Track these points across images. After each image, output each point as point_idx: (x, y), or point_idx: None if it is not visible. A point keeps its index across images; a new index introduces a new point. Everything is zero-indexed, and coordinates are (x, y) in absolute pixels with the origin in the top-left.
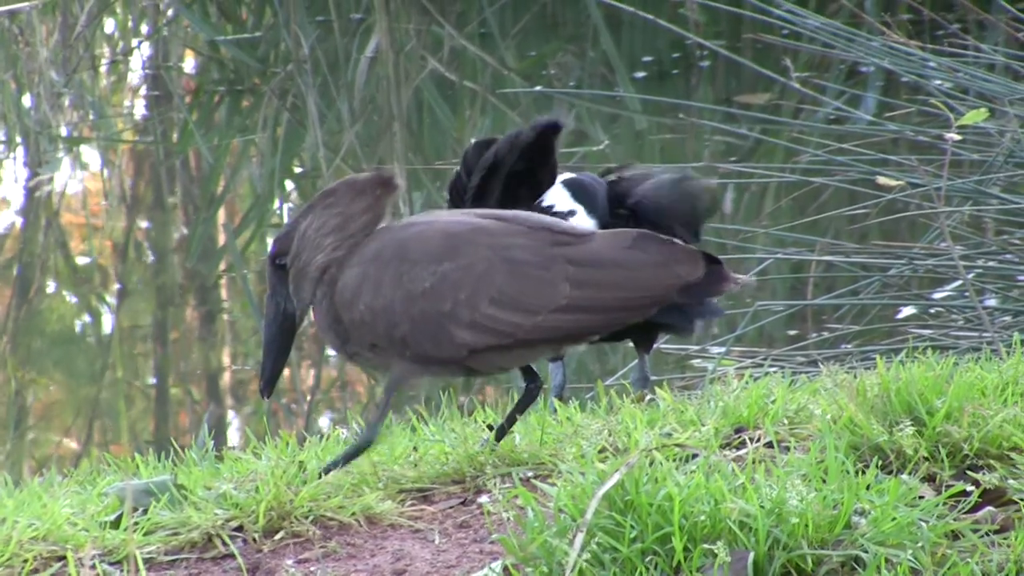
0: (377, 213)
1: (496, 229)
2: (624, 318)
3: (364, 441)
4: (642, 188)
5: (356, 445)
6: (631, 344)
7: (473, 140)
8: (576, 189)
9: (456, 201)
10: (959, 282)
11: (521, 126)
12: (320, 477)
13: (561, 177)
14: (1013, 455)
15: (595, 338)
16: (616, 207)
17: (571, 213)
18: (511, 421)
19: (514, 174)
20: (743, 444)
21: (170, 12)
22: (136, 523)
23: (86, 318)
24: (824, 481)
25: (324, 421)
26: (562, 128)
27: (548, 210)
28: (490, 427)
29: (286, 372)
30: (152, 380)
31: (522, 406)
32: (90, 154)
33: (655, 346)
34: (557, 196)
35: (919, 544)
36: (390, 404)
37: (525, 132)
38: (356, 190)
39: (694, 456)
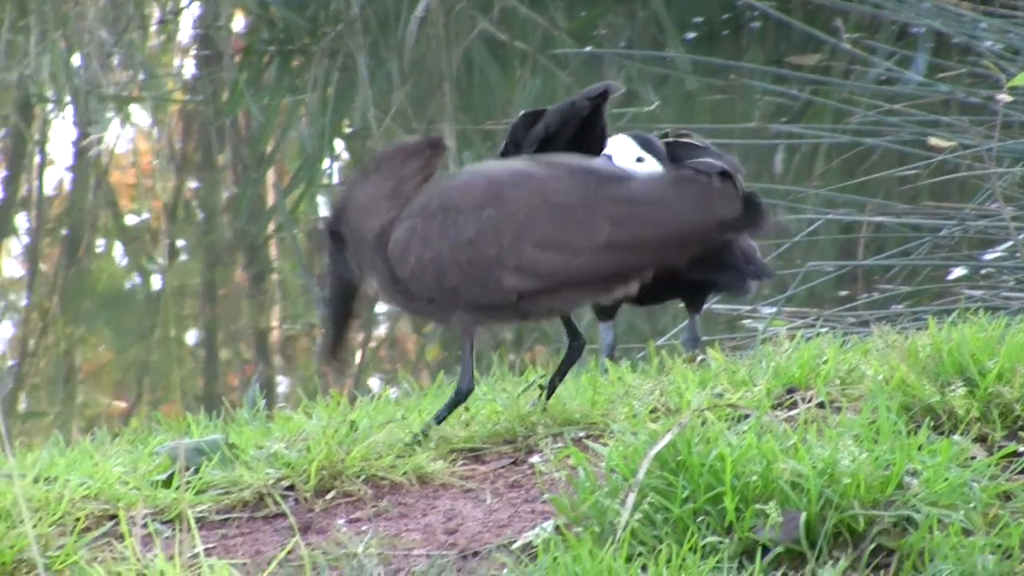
0: (428, 175)
1: (538, 173)
2: (665, 256)
3: (462, 393)
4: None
5: (454, 399)
6: (681, 305)
7: (521, 112)
8: (643, 142)
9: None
10: (1010, 243)
11: (571, 96)
12: (422, 433)
13: (621, 134)
14: None
15: (642, 279)
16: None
17: (640, 160)
18: (559, 378)
19: (564, 142)
20: (795, 404)
21: None
22: (188, 482)
23: (135, 278)
24: (876, 442)
25: (373, 381)
26: (611, 94)
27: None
28: (541, 386)
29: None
30: (201, 340)
31: (567, 364)
32: (139, 114)
33: (705, 307)
34: (624, 146)
35: (971, 505)
36: (472, 353)
37: (579, 102)
38: (407, 154)
39: (746, 416)
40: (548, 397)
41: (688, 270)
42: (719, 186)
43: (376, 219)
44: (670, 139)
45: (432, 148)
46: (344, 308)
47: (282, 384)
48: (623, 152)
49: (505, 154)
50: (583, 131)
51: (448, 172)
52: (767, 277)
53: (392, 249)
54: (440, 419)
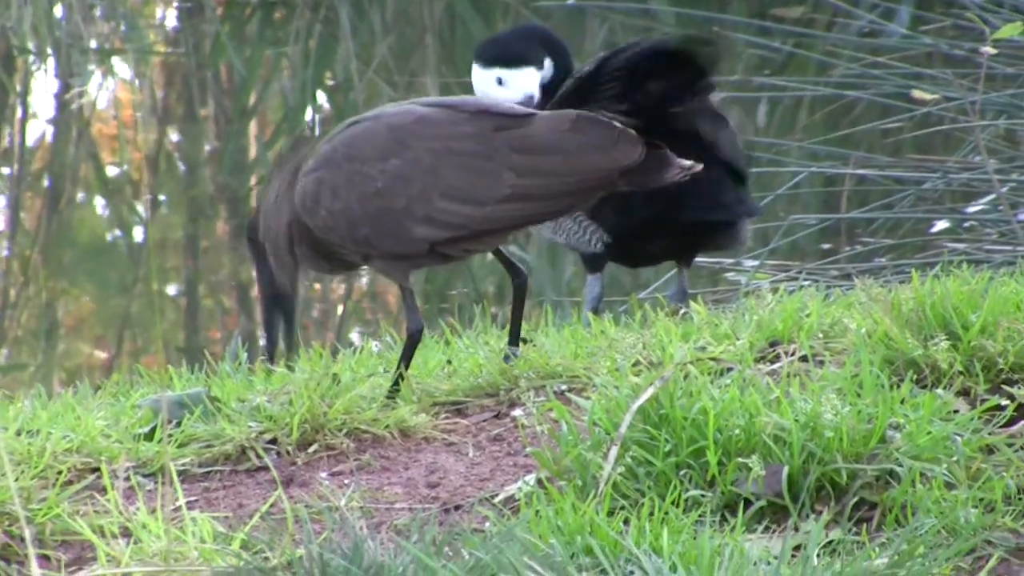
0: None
1: (439, 118)
2: (568, 204)
3: (413, 334)
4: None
5: (408, 342)
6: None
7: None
8: (488, 56)
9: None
10: (993, 196)
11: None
12: (395, 384)
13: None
14: None
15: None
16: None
17: (499, 82)
18: (517, 324)
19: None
20: (777, 358)
21: None
22: (170, 435)
23: (117, 230)
24: (859, 395)
25: (354, 334)
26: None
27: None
28: (523, 340)
29: (316, 286)
30: (183, 292)
31: (517, 306)
32: (121, 66)
33: (694, 261)
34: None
35: (953, 458)
36: (411, 295)
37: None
38: (293, 148)
39: (728, 370)
40: (514, 343)
41: (681, 211)
42: (620, 131)
43: (284, 216)
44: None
45: (311, 140)
46: (277, 313)
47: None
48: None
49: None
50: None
51: (348, 119)
52: (759, 214)
53: (301, 200)
54: (404, 365)
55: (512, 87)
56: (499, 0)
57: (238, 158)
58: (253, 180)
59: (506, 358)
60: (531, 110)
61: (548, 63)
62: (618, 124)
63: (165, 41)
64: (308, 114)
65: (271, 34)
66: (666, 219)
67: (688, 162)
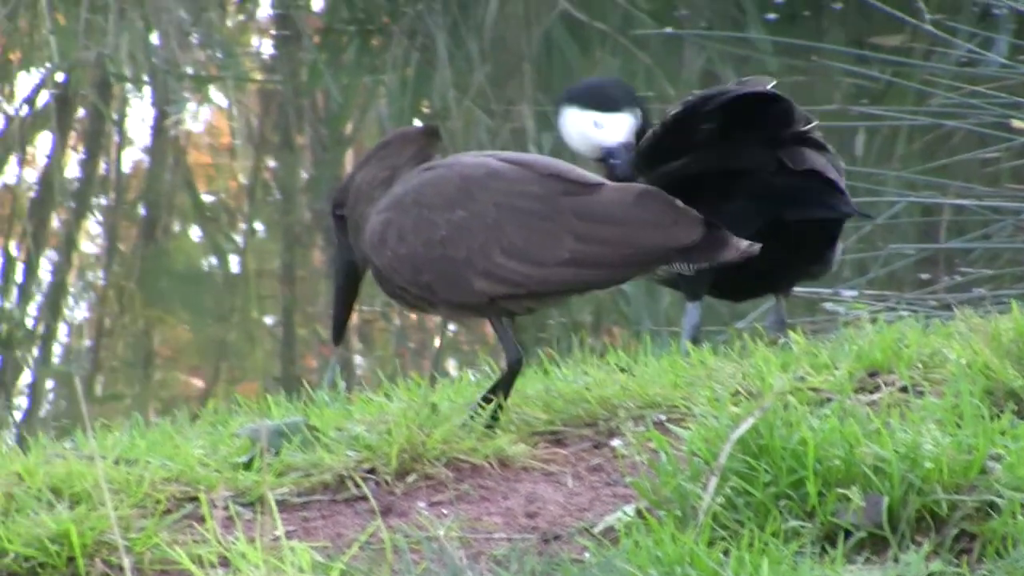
0: (421, 163)
1: (510, 174)
2: (625, 274)
3: (513, 364)
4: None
5: (508, 372)
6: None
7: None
8: (581, 99)
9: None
10: None
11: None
12: (491, 413)
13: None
14: None
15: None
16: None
17: (596, 125)
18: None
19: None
20: (877, 388)
21: None
22: (268, 464)
23: (213, 258)
24: (958, 426)
25: (450, 363)
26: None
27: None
28: (622, 369)
29: (412, 314)
30: (279, 320)
31: (506, 379)
32: (217, 94)
33: (792, 290)
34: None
35: None
36: (504, 327)
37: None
38: (404, 141)
39: (828, 400)
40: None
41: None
42: (682, 211)
43: (371, 206)
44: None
45: (428, 136)
46: (346, 289)
47: (360, 365)
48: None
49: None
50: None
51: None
52: (859, 214)
53: (369, 237)
54: (504, 395)
55: (608, 131)
56: (596, 28)
57: (334, 186)
58: None
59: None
60: (600, 179)
61: (638, 113)
62: (680, 204)
63: (261, 68)
64: None
65: (368, 62)
66: (776, 226)
67: (746, 243)
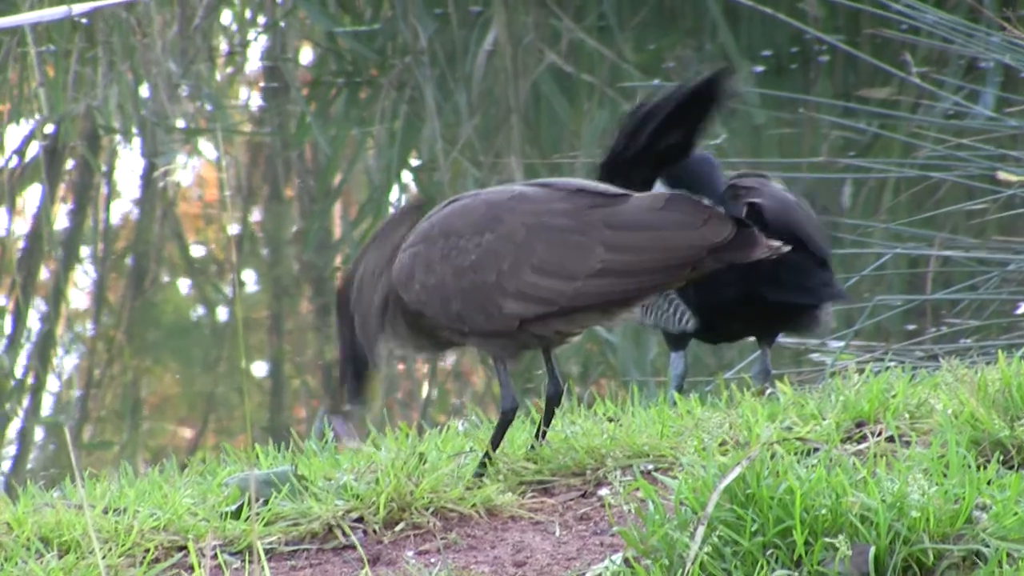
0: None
1: (535, 196)
2: (658, 280)
3: (507, 412)
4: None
5: (501, 420)
6: (752, 338)
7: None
8: (680, 179)
9: (607, 168)
10: None
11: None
12: (483, 462)
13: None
14: None
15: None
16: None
17: None
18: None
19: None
20: (864, 438)
21: (288, 3)
22: (257, 513)
23: (201, 309)
24: (945, 476)
25: (439, 413)
26: (722, 87)
27: None
28: (610, 419)
29: (400, 364)
30: (268, 371)
31: (548, 411)
32: (206, 145)
33: (777, 340)
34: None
35: None
36: (506, 373)
37: (688, 84)
38: (396, 223)
39: (815, 450)
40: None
41: (767, 292)
42: (711, 211)
43: (377, 294)
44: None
45: (416, 210)
46: (354, 368)
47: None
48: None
49: (614, 148)
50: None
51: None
52: (844, 298)
53: (397, 274)
54: (495, 444)
55: None
56: (584, 81)
57: (323, 238)
58: (338, 260)
59: (531, 447)
60: (627, 192)
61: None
62: (708, 203)
63: (250, 120)
64: (393, 194)
65: (356, 114)
66: (754, 298)
67: (776, 242)
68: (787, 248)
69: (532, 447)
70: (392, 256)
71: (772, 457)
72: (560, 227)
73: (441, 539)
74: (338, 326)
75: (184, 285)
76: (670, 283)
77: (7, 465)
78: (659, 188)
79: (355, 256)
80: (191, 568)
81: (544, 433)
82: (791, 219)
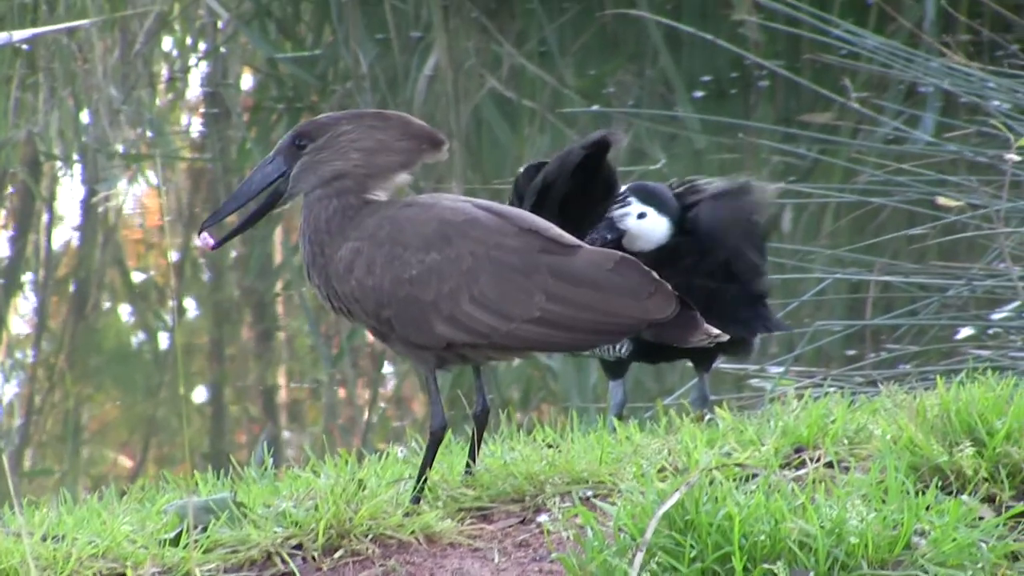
0: (408, 163)
1: (488, 224)
2: (592, 340)
3: (435, 433)
4: (700, 207)
5: (431, 441)
6: (690, 364)
7: (524, 166)
8: (643, 193)
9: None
10: (1018, 303)
11: (572, 143)
12: (418, 485)
13: (624, 186)
14: None
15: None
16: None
17: (642, 216)
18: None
19: (568, 193)
20: (803, 464)
21: (229, 29)
22: (196, 540)
23: (142, 335)
24: (884, 501)
25: (379, 440)
26: (611, 144)
27: (619, 219)
28: (549, 446)
29: (341, 391)
30: (208, 397)
31: (478, 434)
32: (147, 171)
33: (715, 366)
34: (625, 202)
35: (979, 565)
36: (436, 391)
37: (574, 151)
38: (406, 132)
39: (754, 476)
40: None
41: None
42: (658, 284)
43: (340, 162)
44: (677, 188)
45: (430, 143)
46: (256, 211)
47: (289, 442)
48: (628, 208)
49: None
50: (585, 180)
51: (404, 198)
52: (779, 330)
53: (336, 263)
54: (427, 465)
55: (648, 227)
56: (525, 106)
57: (263, 263)
58: (279, 285)
59: (466, 470)
60: (580, 242)
61: (671, 229)
62: (656, 276)
63: (191, 146)
64: None
65: None
66: None
67: (716, 331)
68: (724, 337)
69: (467, 470)
70: (376, 151)
71: (711, 483)
72: (507, 264)
73: (380, 566)
74: (277, 154)
75: (125, 311)
76: (601, 345)
77: None
78: (630, 199)
79: (343, 113)
80: None
81: (475, 455)
82: (727, 236)
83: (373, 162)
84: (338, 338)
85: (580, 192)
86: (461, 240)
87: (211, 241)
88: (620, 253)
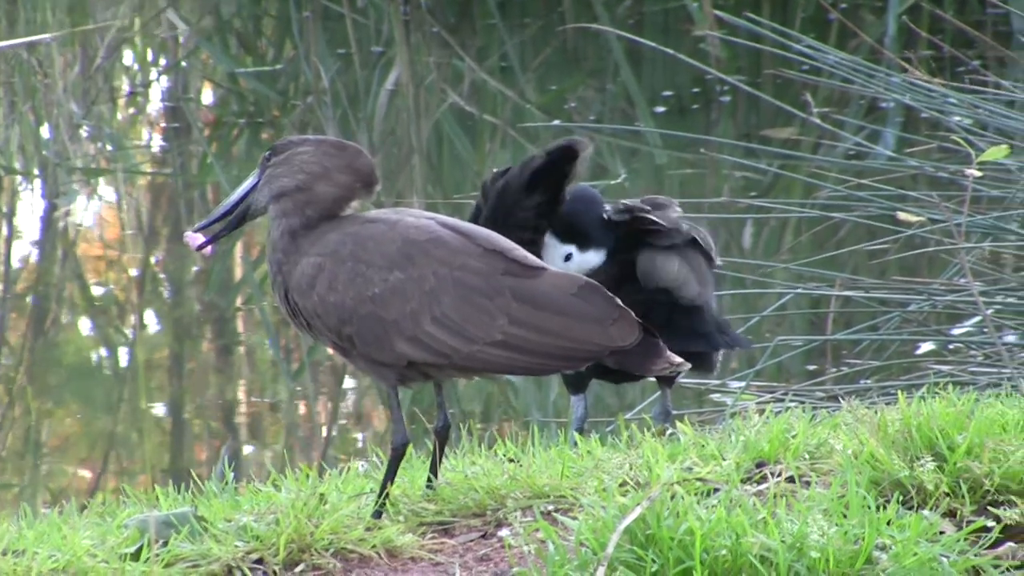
0: (345, 196)
1: (451, 243)
2: (554, 365)
3: (397, 448)
4: (643, 258)
5: (392, 456)
6: (652, 378)
7: (493, 171)
8: (564, 231)
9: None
10: (978, 318)
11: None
12: (380, 500)
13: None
14: None
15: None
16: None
17: (568, 257)
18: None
19: (531, 200)
20: (764, 479)
21: (190, 44)
22: (157, 555)
23: (102, 350)
24: (845, 516)
25: (340, 454)
26: (578, 153)
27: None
28: (510, 460)
29: (302, 406)
30: (169, 412)
31: (439, 448)
32: (108, 186)
33: (677, 380)
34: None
35: None
36: (398, 406)
37: (538, 157)
38: (350, 165)
39: (715, 490)
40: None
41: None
42: (621, 311)
43: (287, 179)
44: (633, 213)
45: (367, 182)
46: (236, 216)
47: (250, 457)
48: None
49: (476, 213)
50: (551, 192)
51: (366, 212)
52: (741, 347)
53: (297, 279)
54: (389, 479)
55: (577, 263)
56: (487, 121)
57: (224, 278)
58: (239, 300)
59: (428, 484)
60: (543, 264)
61: (606, 252)
62: (620, 303)
63: (152, 161)
64: None
65: (258, 154)
66: None
67: (678, 359)
68: (687, 367)
69: (429, 484)
70: (318, 176)
71: (672, 498)
72: (469, 285)
73: None
74: (256, 177)
75: (85, 326)
76: (562, 370)
77: None
78: (550, 241)
79: (313, 136)
80: None
81: (437, 469)
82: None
83: (313, 187)
84: (299, 353)
85: (543, 200)
86: (424, 259)
87: (200, 240)
88: (584, 278)
